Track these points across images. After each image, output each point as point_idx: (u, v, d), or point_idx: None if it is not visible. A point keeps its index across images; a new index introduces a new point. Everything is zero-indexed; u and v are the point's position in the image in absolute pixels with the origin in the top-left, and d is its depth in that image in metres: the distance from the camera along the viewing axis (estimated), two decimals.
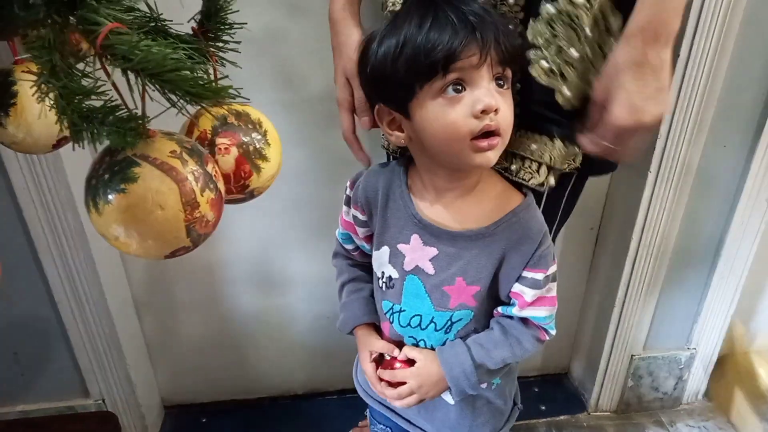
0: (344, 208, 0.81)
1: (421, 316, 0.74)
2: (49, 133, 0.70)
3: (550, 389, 1.48)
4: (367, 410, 0.93)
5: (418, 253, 0.72)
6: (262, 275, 1.27)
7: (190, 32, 0.56)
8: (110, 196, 0.46)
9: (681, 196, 1.12)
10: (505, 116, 0.62)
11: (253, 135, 0.63)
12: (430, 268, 0.72)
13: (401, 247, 0.73)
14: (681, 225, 1.16)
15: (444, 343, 0.75)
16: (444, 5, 0.61)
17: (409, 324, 0.75)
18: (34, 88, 0.68)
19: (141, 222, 0.46)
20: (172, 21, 0.53)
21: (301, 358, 1.40)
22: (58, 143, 0.73)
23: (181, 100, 0.42)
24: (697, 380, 1.39)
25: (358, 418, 1.37)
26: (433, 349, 0.75)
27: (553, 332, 0.74)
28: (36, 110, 0.68)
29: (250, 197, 0.67)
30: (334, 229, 1.22)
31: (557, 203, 0.80)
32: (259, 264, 1.26)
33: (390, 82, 0.64)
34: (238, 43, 0.56)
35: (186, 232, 0.48)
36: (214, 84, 0.41)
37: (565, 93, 0.69)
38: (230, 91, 0.43)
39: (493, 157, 0.64)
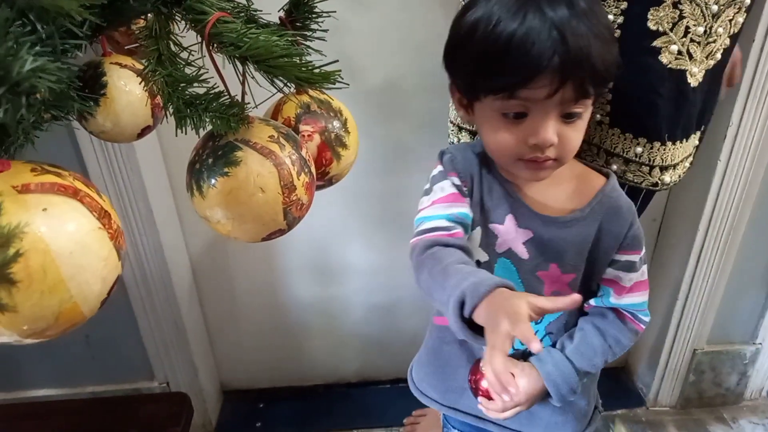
0: (442, 183, 0.70)
1: None
2: (134, 123, 0.72)
3: (608, 383, 1.44)
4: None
5: (512, 234, 0.69)
6: (320, 265, 1.29)
7: (278, 21, 0.58)
8: (213, 180, 0.48)
9: (751, 186, 1.09)
10: (567, 145, 0.61)
11: (335, 123, 0.64)
12: (523, 252, 0.69)
13: (494, 227, 0.70)
14: (750, 216, 1.13)
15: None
16: (540, 6, 0.55)
17: None
18: (126, 79, 0.71)
19: (243, 204, 0.48)
20: (261, 11, 0.55)
21: (355, 347, 1.42)
22: (142, 132, 0.75)
23: (286, 86, 0.44)
24: (761, 376, 1.35)
25: (409, 408, 1.38)
26: (525, 358, 0.72)
27: (648, 319, 0.73)
28: (123, 101, 0.70)
29: (329, 184, 0.68)
30: (391, 220, 1.24)
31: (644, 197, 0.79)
32: (317, 254, 1.28)
33: (461, 66, 0.63)
34: (325, 31, 0.57)
35: (283, 214, 0.50)
36: (318, 69, 0.42)
37: (692, 71, 0.70)
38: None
39: (545, 174, 0.63)
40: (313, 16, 0.56)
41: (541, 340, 0.71)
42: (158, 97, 0.74)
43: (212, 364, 1.40)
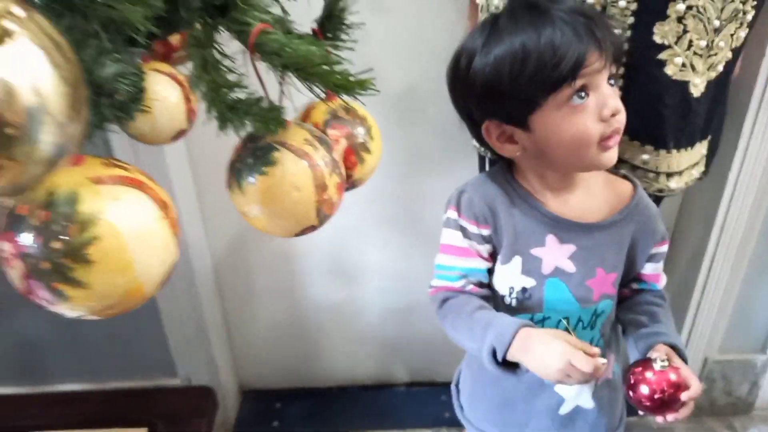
0: (453, 233, 0.73)
1: (567, 318, 0.71)
2: (170, 126, 0.77)
3: None
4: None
5: (556, 253, 0.71)
6: (338, 266, 1.33)
7: (311, 32, 0.62)
8: (252, 178, 0.52)
9: (764, 195, 1.11)
10: (624, 114, 0.64)
11: (359, 129, 0.68)
12: (570, 267, 0.71)
13: (536, 251, 0.71)
14: (762, 225, 1.15)
15: (593, 344, 0.70)
16: (554, 9, 0.61)
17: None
18: (164, 84, 0.75)
19: (279, 201, 0.52)
20: (296, 22, 0.59)
21: (370, 350, 1.45)
22: (177, 135, 0.80)
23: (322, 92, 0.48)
24: None
25: (423, 411, 1.41)
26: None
27: None
28: (161, 106, 0.75)
29: (351, 187, 0.72)
30: (408, 223, 1.28)
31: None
32: (335, 255, 1.31)
33: (508, 97, 0.64)
34: (355, 42, 0.61)
35: (316, 212, 0.54)
36: (354, 77, 0.46)
37: (695, 82, 0.74)
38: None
39: (616, 153, 0.66)
40: (344, 27, 0.60)
41: (596, 344, 0.74)
42: (192, 101, 0.79)
43: (231, 363, 1.44)
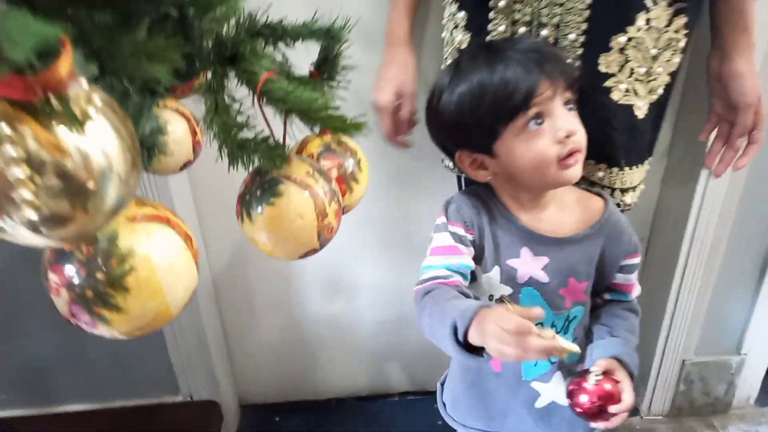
0: (442, 234, 0.79)
1: (541, 323, 0.77)
2: (178, 158, 0.83)
3: None
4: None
5: (530, 264, 0.77)
6: (333, 283, 1.38)
7: (308, 74, 0.68)
8: (261, 209, 0.58)
9: (732, 202, 1.18)
10: (581, 134, 0.72)
11: (350, 160, 0.74)
12: (543, 277, 0.77)
13: (511, 262, 0.78)
14: (731, 232, 1.22)
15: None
16: (506, 49, 0.70)
17: None
18: (172, 118, 0.81)
19: (285, 228, 0.58)
20: (294, 65, 0.65)
21: (365, 362, 1.50)
22: (184, 166, 0.86)
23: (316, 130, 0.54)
24: (748, 385, 1.43)
25: (418, 419, 1.46)
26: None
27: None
28: (170, 139, 0.81)
29: (342, 212, 0.78)
30: (398, 241, 1.34)
31: None
32: (330, 272, 1.37)
33: (472, 128, 0.72)
34: (349, 81, 0.67)
35: (317, 236, 0.60)
36: (350, 120, 0.52)
37: (638, 104, 0.82)
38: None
39: (579, 170, 0.73)
40: (338, 70, 0.66)
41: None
42: (199, 134, 0.85)
43: (231, 379, 1.48)
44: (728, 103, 0.91)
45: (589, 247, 0.79)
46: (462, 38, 0.88)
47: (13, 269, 1.17)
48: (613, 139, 0.82)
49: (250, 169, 0.60)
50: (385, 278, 1.37)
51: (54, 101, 0.25)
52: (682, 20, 0.79)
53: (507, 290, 0.79)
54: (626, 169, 0.86)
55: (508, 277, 0.78)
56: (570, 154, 0.70)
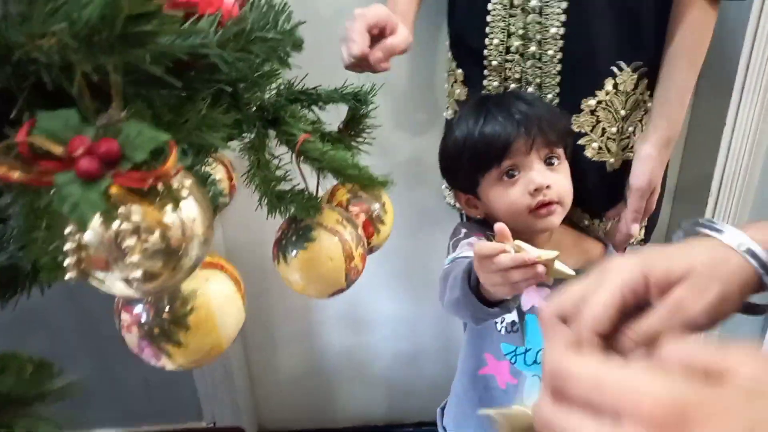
0: (466, 240, 0.85)
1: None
2: (217, 201, 0.91)
3: None
4: None
5: (532, 294, 0.84)
6: (352, 315, 1.45)
7: (336, 130, 0.76)
8: (295, 252, 0.65)
9: (748, 191, 1.19)
10: (560, 187, 0.78)
11: (376, 205, 0.81)
12: None
13: None
14: None
15: None
16: (492, 106, 0.78)
17: (535, 362, 0.86)
18: (212, 168, 0.89)
19: (316, 270, 0.65)
20: (327, 123, 0.73)
21: (382, 392, 1.55)
22: (220, 208, 0.93)
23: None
24: None
25: None
26: None
27: None
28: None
29: (370, 252, 0.85)
30: (414, 274, 1.40)
31: None
32: (349, 305, 1.44)
33: (458, 173, 0.83)
34: (374, 138, 0.75)
35: (345, 277, 0.67)
36: (377, 177, 0.60)
37: (610, 161, 0.90)
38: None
39: (555, 220, 0.79)
40: (364, 128, 0.74)
41: None
42: (235, 179, 0.93)
43: (253, 406, 1.54)
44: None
45: None
46: (460, 92, 0.96)
47: (54, 304, 1.25)
48: (590, 192, 0.89)
49: (286, 216, 0.67)
50: (402, 311, 1.43)
51: (161, 188, 0.32)
52: (645, 82, 0.87)
53: (515, 317, 0.85)
54: (596, 220, 0.93)
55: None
56: (542, 205, 0.77)
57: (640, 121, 0.89)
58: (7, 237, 0.67)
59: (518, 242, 0.63)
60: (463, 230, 0.90)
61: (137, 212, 0.32)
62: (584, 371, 0.28)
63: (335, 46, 0.80)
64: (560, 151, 0.80)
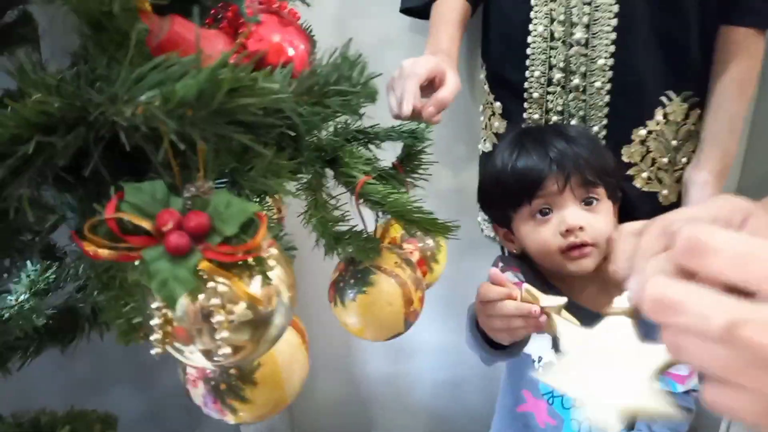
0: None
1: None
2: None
3: None
4: None
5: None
6: (393, 343, 1.40)
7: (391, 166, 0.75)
8: (353, 295, 0.63)
9: None
10: (596, 228, 0.74)
11: (429, 242, 0.80)
12: None
13: None
14: None
15: None
16: (529, 141, 0.76)
17: (573, 405, 0.82)
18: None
19: (375, 315, 0.63)
20: (383, 159, 0.71)
21: (422, 421, 1.52)
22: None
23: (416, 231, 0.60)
24: None
25: None
26: None
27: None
28: None
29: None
30: (455, 303, 1.37)
31: None
32: None
33: (493, 207, 0.82)
34: (430, 175, 0.73)
35: (404, 322, 0.65)
36: (441, 222, 0.58)
37: (663, 193, 0.87)
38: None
39: (588, 263, 0.75)
40: (419, 164, 0.73)
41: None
42: (284, 211, 0.92)
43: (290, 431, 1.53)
44: None
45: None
46: (499, 125, 0.94)
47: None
48: None
49: (343, 257, 0.66)
50: (444, 340, 1.40)
51: (252, 262, 0.31)
52: (697, 113, 0.84)
53: (552, 357, 0.81)
54: None
55: (552, 344, 0.81)
56: (574, 247, 0.73)
57: (693, 152, 0.86)
58: (63, 277, 0.67)
59: (527, 287, 0.60)
60: (500, 264, 0.88)
61: (226, 286, 0.31)
62: (729, 244, 0.25)
63: (385, 80, 0.80)
64: (600, 191, 0.76)
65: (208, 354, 0.34)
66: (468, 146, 1.20)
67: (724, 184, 0.84)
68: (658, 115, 0.83)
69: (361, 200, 0.61)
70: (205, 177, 0.32)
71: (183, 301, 0.31)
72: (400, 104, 0.75)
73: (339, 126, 0.65)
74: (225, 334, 0.31)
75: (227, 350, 0.31)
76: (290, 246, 0.50)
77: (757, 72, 0.82)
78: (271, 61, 0.46)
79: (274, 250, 0.34)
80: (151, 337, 0.31)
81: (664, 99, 0.83)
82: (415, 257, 0.79)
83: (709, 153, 0.82)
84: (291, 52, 0.46)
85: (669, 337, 0.26)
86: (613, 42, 0.80)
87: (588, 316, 0.81)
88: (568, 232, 0.73)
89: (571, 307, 0.80)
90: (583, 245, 0.73)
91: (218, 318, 0.31)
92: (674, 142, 0.85)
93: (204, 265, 0.30)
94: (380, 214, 0.61)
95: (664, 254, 0.29)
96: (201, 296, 0.31)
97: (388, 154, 0.73)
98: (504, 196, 0.77)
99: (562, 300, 0.58)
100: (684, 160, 0.86)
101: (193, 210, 0.31)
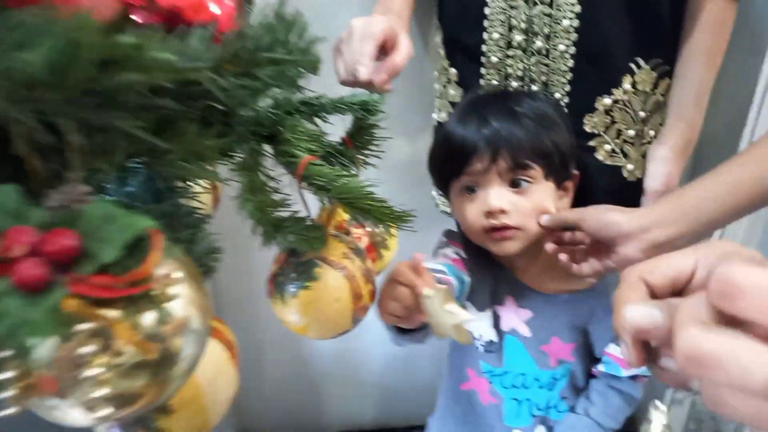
0: (444, 250, 0.82)
1: (524, 375, 0.80)
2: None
3: None
4: None
5: (512, 315, 0.78)
6: None
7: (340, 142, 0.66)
8: (295, 291, 0.56)
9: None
10: (521, 212, 0.70)
11: (380, 228, 0.73)
12: (525, 330, 0.78)
13: (497, 308, 0.80)
14: None
15: (551, 404, 0.81)
16: (474, 111, 0.71)
17: (513, 385, 0.81)
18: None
19: (320, 312, 0.56)
20: (329, 134, 0.63)
21: (372, 396, 1.49)
22: None
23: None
24: None
25: None
26: (550, 430, 0.81)
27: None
28: None
29: None
30: None
31: None
32: None
33: (433, 172, 0.78)
34: (383, 151, 0.66)
35: (352, 318, 0.58)
36: (395, 212, 0.51)
37: (629, 167, 0.81)
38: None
39: (511, 246, 0.71)
40: (371, 139, 0.65)
41: (556, 405, 0.81)
42: (218, 190, 0.83)
43: (234, 408, 1.46)
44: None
45: (577, 309, 0.77)
46: (455, 93, 0.87)
47: None
48: (602, 199, 0.76)
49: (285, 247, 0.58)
50: None
51: (139, 297, 0.23)
52: (666, 83, 0.79)
53: (495, 336, 0.79)
54: None
55: (495, 323, 0.79)
56: (496, 229, 0.70)
57: (661, 125, 0.81)
58: None
59: (444, 289, 0.57)
60: (444, 239, 0.85)
61: (105, 328, 0.23)
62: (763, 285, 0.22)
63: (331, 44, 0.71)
64: (534, 173, 0.70)
65: (92, 408, 0.26)
66: (422, 116, 1.12)
67: (686, 162, 0.80)
68: (626, 84, 0.77)
69: (305, 183, 0.53)
70: (78, 177, 0.24)
71: (48, 346, 0.23)
72: (355, 70, 0.67)
73: (278, 96, 0.56)
74: (104, 388, 0.23)
75: (108, 411, 0.24)
76: (212, 249, 0.41)
77: (726, 42, 0.77)
78: (187, 20, 0.37)
79: (178, 274, 0.26)
80: (3, 394, 0.23)
81: (633, 66, 0.77)
82: (364, 242, 0.72)
83: (674, 125, 0.77)
84: (215, 9, 0.37)
85: (708, 391, 0.24)
86: (579, 1, 0.73)
87: (532, 296, 0.78)
88: (490, 213, 0.70)
89: (514, 286, 0.78)
90: (505, 228, 0.70)
91: (95, 368, 0.23)
92: (642, 114, 0.79)
93: (70, 303, 0.22)
94: (326, 201, 0.53)
95: (695, 297, 0.24)
96: (72, 340, 0.23)
97: (336, 128, 0.64)
98: (441, 165, 0.75)
99: (439, 289, 0.56)
100: (652, 132, 0.81)
101: (57, 227, 0.22)
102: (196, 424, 0.41)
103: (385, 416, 1.52)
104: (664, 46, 0.78)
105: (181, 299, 0.26)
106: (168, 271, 0.25)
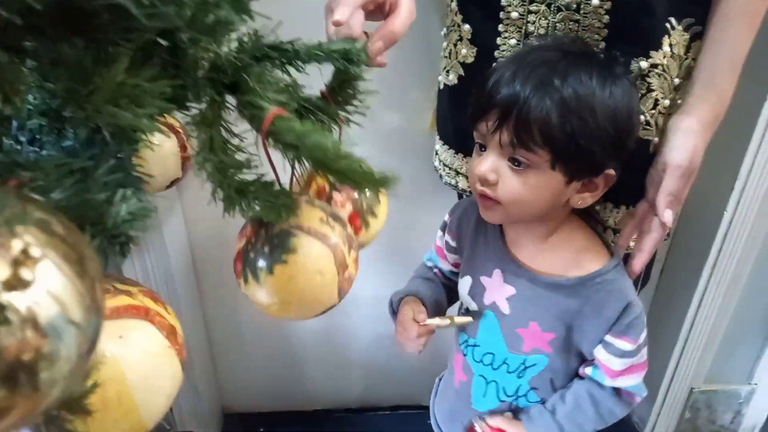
0: (438, 233, 0.86)
1: (494, 354, 0.74)
2: (165, 175, 0.74)
3: None
4: None
5: (496, 289, 0.73)
6: None
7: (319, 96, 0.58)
8: (271, 267, 0.48)
9: (756, 236, 1.11)
10: (504, 190, 0.63)
11: (367, 194, 0.65)
12: (506, 308, 0.72)
13: (483, 279, 0.74)
14: (753, 266, 1.15)
15: (521, 393, 0.75)
16: (519, 63, 0.62)
17: (482, 361, 0.76)
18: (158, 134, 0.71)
19: (302, 288, 0.48)
20: (305, 86, 0.55)
21: (358, 374, 1.43)
22: (171, 184, 0.76)
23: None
24: (755, 415, 1.38)
25: None
26: (516, 415, 0.76)
27: (645, 393, 0.74)
28: (155, 155, 0.70)
29: None
30: (399, 252, 1.25)
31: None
32: None
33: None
34: (368, 108, 0.57)
35: (338, 292, 0.50)
36: (376, 173, 0.43)
37: (655, 141, 0.72)
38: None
39: (493, 216, 0.67)
40: (355, 94, 0.56)
41: (525, 395, 0.76)
42: (189, 149, 0.75)
43: (214, 388, 1.40)
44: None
45: (562, 299, 0.69)
46: (467, 52, 0.78)
47: None
48: (627, 175, 0.68)
49: (250, 215, 0.50)
50: (384, 291, 1.28)
51: None
52: (698, 45, 0.69)
53: (473, 306, 0.76)
54: (622, 207, 0.76)
55: (476, 293, 0.76)
56: (483, 194, 0.65)
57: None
58: None
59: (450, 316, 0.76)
60: (447, 217, 0.85)
61: None
62: None
63: None
64: (535, 158, 0.61)
65: None
66: (422, 76, 1.03)
67: (710, 137, 0.69)
68: (665, 46, 0.67)
69: (271, 140, 0.45)
70: None
71: None
72: (330, 11, 0.58)
73: (244, 39, 0.47)
74: None
75: None
76: (133, 215, 0.33)
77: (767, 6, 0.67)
78: None
79: (35, 249, 0.18)
80: None
81: (668, 26, 0.67)
82: (347, 211, 0.64)
83: (703, 95, 0.67)
84: None
85: None
86: None
87: (519, 272, 0.71)
88: (477, 178, 0.64)
89: (504, 259, 0.73)
90: (487, 197, 0.65)
91: None
92: (677, 80, 0.70)
93: None
94: (296, 162, 0.45)
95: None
96: None
97: (314, 80, 0.56)
98: (471, 102, 0.66)
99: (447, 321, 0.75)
100: (680, 101, 0.71)
101: None
102: (125, 426, 0.34)
103: (370, 395, 1.46)
104: (699, 3, 0.68)
105: (42, 285, 0.18)
106: (25, 248, 0.17)
